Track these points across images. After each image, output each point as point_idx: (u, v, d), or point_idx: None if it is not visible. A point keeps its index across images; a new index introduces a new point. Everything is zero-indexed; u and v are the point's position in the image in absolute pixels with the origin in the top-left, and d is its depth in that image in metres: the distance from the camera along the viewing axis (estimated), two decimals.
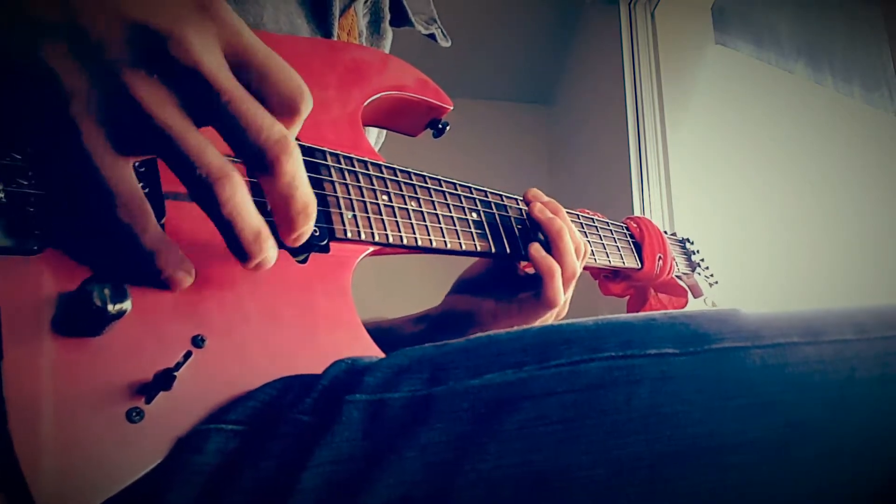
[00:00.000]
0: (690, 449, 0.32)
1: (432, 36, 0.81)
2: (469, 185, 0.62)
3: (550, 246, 0.63)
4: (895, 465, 0.31)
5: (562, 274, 0.63)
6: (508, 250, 0.61)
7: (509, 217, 0.64)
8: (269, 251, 0.35)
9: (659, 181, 2.02)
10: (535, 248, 0.62)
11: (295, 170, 0.34)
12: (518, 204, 0.66)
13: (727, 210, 1.90)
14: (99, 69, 0.31)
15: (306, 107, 0.35)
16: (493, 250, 0.60)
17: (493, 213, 0.62)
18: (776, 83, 1.85)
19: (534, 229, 0.64)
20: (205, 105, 0.32)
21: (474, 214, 0.60)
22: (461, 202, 0.59)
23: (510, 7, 2.55)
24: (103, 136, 0.31)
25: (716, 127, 2.00)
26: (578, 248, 0.65)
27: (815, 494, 0.31)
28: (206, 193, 0.32)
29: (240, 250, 0.35)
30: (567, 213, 0.72)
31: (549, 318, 0.66)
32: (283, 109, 0.34)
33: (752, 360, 0.34)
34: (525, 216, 0.66)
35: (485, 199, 0.63)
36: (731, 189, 1.92)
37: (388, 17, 0.76)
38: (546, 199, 0.66)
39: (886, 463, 0.32)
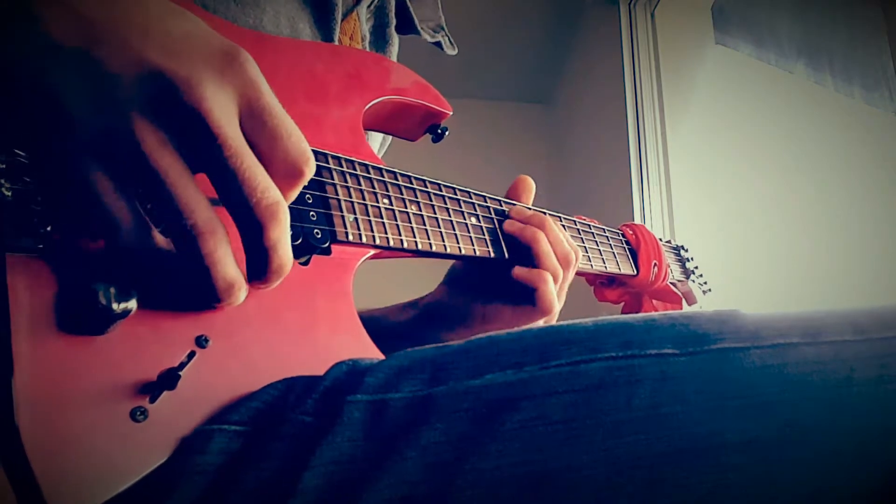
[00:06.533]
0: (690, 449, 0.32)
1: (438, 44, 0.81)
2: (468, 189, 0.62)
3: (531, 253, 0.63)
4: (893, 465, 0.32)
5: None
6: (507, 255, 0.62)
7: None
8: (240, 297, 0.36)
9: (659, 181, 2.02)
10: (517, 268, 0.62)
11: (279, 236, 0.35)
12: None
13: (727, 210, 1.90)
14: (104, 102, 0.31)
15: (309, 173, 0.36)
16: (492, 255, 0.60)
17: (492, 218, 0.63)
18: (776, 83, 1.85)
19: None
20: (204, 154, 0.33)
21: (473, 219, 0.60)
22: (460, 206, 0.60)
23: (510, 7, 2.55)
24: (102, 167, 0.31)
25: (716, 127, 2.00)
26: (568, 254, 0.64)
27: (813, 494, 0.31)
28: (189, 243, 0.33)
29: (210, 294, 0.35)
30: (564, 218, 0.72)
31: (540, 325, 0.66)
32: (287, 172, 0.35)
33: (751, 361, 0.34)
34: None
35: (483, 203, 0.63)
36: (731, 189, 1.92)
37: (393, 22, 0.75)
38: (529, 213, 0.65)
39: (885, 463, 0.32)
